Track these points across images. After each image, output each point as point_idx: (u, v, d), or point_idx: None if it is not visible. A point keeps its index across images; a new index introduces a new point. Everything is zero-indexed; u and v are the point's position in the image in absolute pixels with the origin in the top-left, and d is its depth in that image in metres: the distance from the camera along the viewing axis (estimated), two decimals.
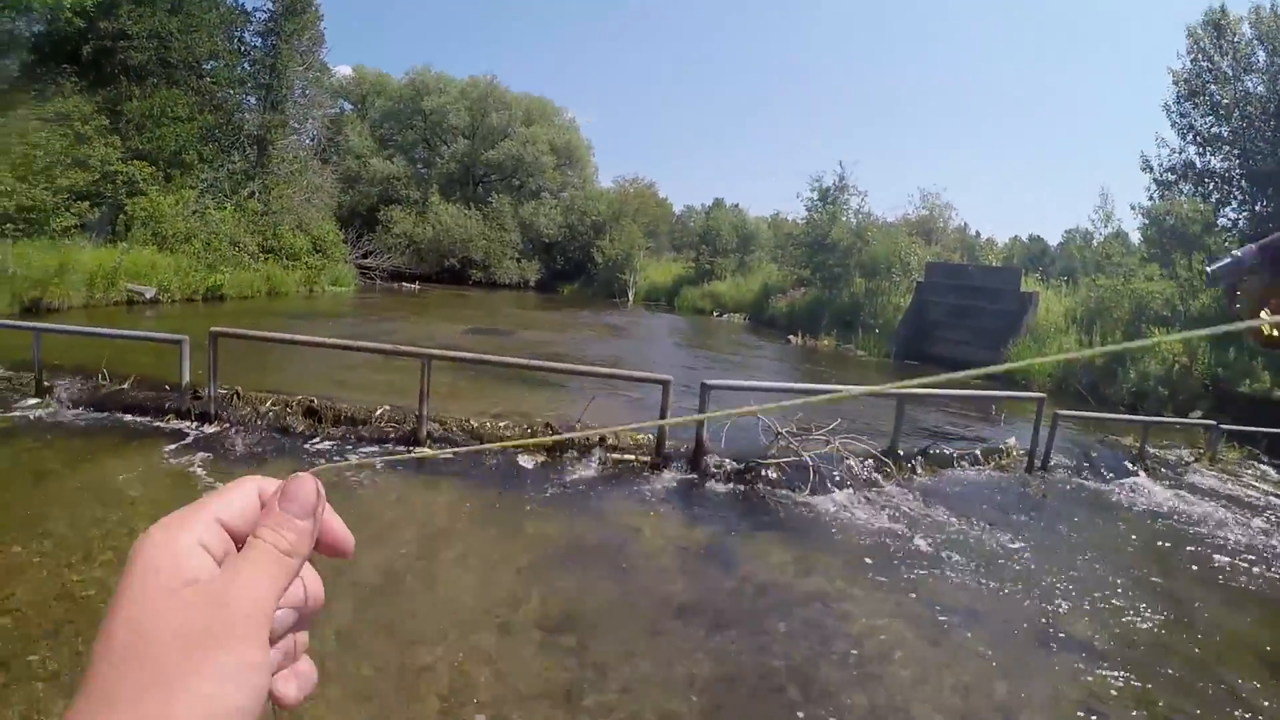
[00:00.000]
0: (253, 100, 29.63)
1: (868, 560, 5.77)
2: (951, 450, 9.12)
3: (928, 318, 20.20)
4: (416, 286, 35.77)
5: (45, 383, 8.66)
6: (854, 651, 4.43)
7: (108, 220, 21.74)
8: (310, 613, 0.56)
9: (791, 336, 22.67)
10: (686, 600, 4.98)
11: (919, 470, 8.32)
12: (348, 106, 47.39)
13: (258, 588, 0.48)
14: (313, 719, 3.48)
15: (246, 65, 29.19)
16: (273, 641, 0.50)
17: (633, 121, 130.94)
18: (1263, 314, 1.22)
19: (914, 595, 5.27)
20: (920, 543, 6.24)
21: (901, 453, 8.40)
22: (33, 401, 8.44)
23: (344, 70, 47.48)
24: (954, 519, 6.98)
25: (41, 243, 17.72)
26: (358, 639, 4.17)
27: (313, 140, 33.29)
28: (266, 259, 25.65)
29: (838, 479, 7.55)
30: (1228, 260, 1.33)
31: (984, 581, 5.65)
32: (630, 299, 37.87)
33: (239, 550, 0.50)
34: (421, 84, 46.95)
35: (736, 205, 39.96)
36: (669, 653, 4.31)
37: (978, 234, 30.38)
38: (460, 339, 17.06)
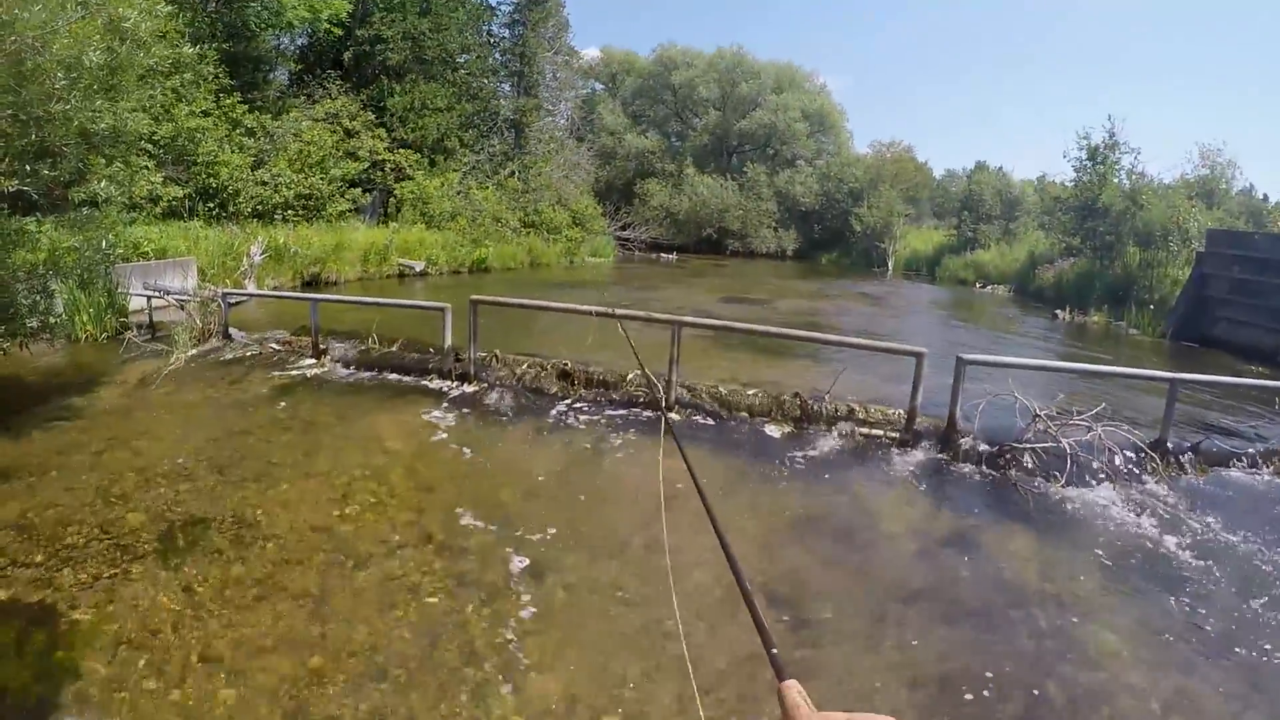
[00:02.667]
0: (506, 87, 32.06)
1: (1120, 567, 5.40)
2: (1226, 447, 7.85)
3: (1208, 293, 17.31)
4: (674, 257, 36.43)
5: (321, 346, 9.64)
6: (1091, 668, 4.16)
7: (379, 204, 24.61)
8: None
9: (1059, 311, 20.57)
10: (918, 587, 4.89)
11: (1188, 469, 7.39)
12: (599, 87, 49.51)
13: None
14: (539, 664, 3.80)
15: (497, 56, 31.68)
16: None
17: (888, 83, 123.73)
18: None
19: (1167, 612, 4.83)
20: (1181, 553, 5.69)
21: (1171, 446, 7.45)
22: (309, 362, 9.40)
23: (592, 52, 49.53)
24: (1223, 528, 6.17)
25: (320, 226, 20.18)
26: (583, 597, 4.44)
27: (567, 120, 35.26)
28: (528, 233, 27.50)
29: (1097, 471, 6.96)
30: None
31: (1251, 605, 4.96)
32: (890, 268, 35.91)
33: None
34: (669, 59, 47.63)
35: (1000, 168, 36.28)
36: (891, 641, 4.27)
37: (1265, 197, 25.42)
38: (715, 307, 16.93)
